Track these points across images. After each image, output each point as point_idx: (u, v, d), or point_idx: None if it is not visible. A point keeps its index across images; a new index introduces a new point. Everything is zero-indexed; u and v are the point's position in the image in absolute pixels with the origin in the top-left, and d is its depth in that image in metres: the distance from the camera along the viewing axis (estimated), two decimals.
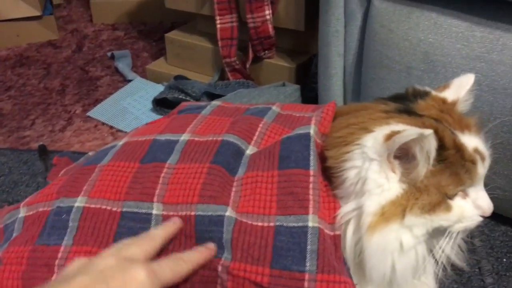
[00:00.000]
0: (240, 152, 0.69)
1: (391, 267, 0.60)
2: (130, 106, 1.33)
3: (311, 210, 0.60)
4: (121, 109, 1.33)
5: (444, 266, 0.74)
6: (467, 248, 0.77)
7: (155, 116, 1.28)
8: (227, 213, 0.61)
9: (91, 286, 0.50)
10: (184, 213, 0.62)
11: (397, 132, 0.56)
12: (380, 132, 0.59)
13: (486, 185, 0.64)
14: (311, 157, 0.64)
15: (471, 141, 0.61)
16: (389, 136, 0.56)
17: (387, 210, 0.58)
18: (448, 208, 0.60)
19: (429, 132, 0.55)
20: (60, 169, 1.00)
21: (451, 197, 0.60)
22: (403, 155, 0.58)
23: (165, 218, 0.62)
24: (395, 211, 0.58)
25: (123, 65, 1.54)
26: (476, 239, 0.88)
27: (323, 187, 0.63)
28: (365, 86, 0.98)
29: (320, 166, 0.64)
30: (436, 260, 0.72)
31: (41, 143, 1.18)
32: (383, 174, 0.58)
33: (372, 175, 0.58)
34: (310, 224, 0.60)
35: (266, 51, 1.26)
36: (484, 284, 0.81)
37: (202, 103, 0.87)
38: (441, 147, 0.58)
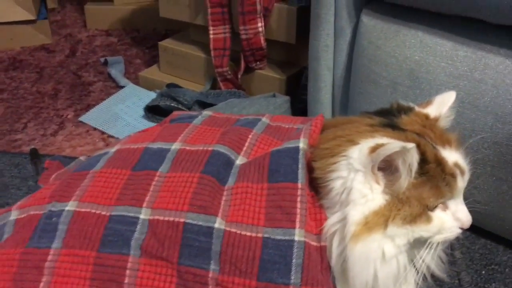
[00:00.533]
0: (230, 162, 0.71)
1: (373, 276, 0.63)
2: (122, 112, 1.35)
3: (297, 224, 0.63)
4: (113, 115, 1.34)
5: (424, 276, 0.76)
6: (448, 260, 0.79)
7: (147, 123, 1.29)
8: (216, 225, 0.63)
9: None
10: (172, 219, 0.64)
11: (381, 145, 0.59)
12: (365, 144, 0.61)
13: (466, 199, 0.66)
14: (299, 171, 0.66)
15: (452, 156, 0.64)
16: (374, 149, 0.59)
17: (371, 220, 0.61)
18: (429, 220, 0.62)
19: (411, 145, 0.57)
20: (52, 172, 1.01)
21: (431, 209, 0.63)
22: (387, 167, 0.60)
23: (152, 223, 0.64)
24: (378, 221, 0.61)
25: (116, 71, 1.55)
26: (457, 251, 0.91)
27: (310, 198, 0.66)
28: (352, 99, 1.01)
29: (307, 178, 0.67)
30: (417, 269, 0.74)
31: (32, 146, 1.19)
32: (368, 185, 0.61)
33: (357, 185, 0.61)
34: (296, 238, 0.62)
35: (258, 62, 1.29)
36: None
37: (193, 113, 0.89)
38: (423, 160, 0.61)
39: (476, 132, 0.83)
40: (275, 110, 1.16)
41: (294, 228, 0.63)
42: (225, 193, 0.67)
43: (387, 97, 0.92)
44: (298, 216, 0.63)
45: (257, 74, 1.32)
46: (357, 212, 0.61)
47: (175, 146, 0.74)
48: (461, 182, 0.64)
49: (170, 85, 1.35)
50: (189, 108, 1.24)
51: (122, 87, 1.49)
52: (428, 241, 0.64)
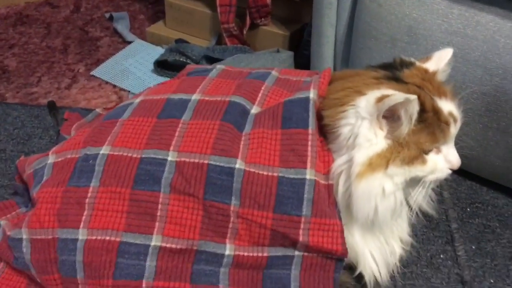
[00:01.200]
0: (246, 111, 0.79)
1: (374, 209, 0.72)
2: (132, 67, 1.41)
3: (308, 165, 0.72)
4: (123, 69, 1.40)
5: (416, 213, 0.86)
6: (437, 199, 0.90)
7: (157, 77, 1.36)
8: (237, 165, 0.72)
9: None
10: (197, 160, 0.72)
11: (387, 96, 0.67)
12: (372, 95, 0.69)
13: (456, 144, 0.75)
14: (310, 118, 0.74)
15: (447, 106, 0.73)
16: (380, 99, 0.67)
17: (374, 161, 0.69)
18: (424, 161, 0.71)
19: (413, 97, 0.66)
20: (72, 123, 1.09)
21: (427, 152, 0.72)
22: (390, 116, 0.69)
23: (179, 164, 0.72)
24: (380, 162, 0.70)
25: (122, 27, 1.59)
26: (445, 192, 1.01)
27: (319, 143, 0.75)
28: (354, 54, 1.08)
29: (317, 125, 0.75)
30: (410, 207, 0.84)
31: (50, 99, 1.26)
32: (372, 130, 0.69)
33: (363, 131, 0.69)
34: (307, 176, 0.71)
35: (263, 19, 1.35)
36: (450, 228, 0.94)
37: (208, 66, 0.95)
38: (422, 110, 0.69)
39: (466, 84, 0.91)
40: (280, 64, 1.23)
41: (305, 168, 0.72)
42: (243, 138, 0.75)
43: (387, 52, 0.99)
44: (309, 158, 0.72)
45: (261, 30, 1.38)
46: (362, 155, 0.70)
47: (195, 97, 0.82)
48: (454, 129, 0.73)
49: (178, 41, 1.41)
50: (197, 63, 1.31)
51: (129, 42, 1.53)
52: (422, 180, 0.74)
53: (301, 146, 0.73)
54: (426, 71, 0.77)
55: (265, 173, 0.72)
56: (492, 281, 0.85)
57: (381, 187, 0.71)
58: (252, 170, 0.72)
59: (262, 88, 0.83)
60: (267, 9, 1.33)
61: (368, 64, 0.96)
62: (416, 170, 0.71)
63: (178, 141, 0.75)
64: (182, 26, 1.48)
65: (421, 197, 0.78)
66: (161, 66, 1.37)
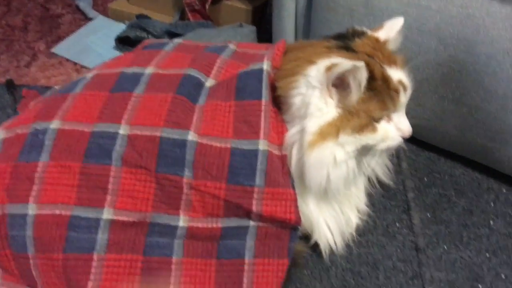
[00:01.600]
0: (200, 84, 0.78)
1: (326, 178, 0.73)
2: (94, 44, 1.38)
3: (262, 135, 0.72)
4: (85, 46, 1.38)
5: (374, 183, 0.88)
6: (395, 170, 0.91)
7: (118, 54, 1.33)
8: (190, 137, 0.71)
9: None
10: (149, 133, 0.72)
11: (336, 64, 0.67)
12: (322, 64, 0.69)
13: (409, 115, 0.76)
14: (263, 89, 0.74)
15: (396, 74, 0.73)
16: (329, 68, 0.67)
17: (325, 130, 0.70)
18: (374, 129, 0.72)
19: (361, 64, 0.66)
20: (29, 101, 1.06)
21: (377, 120, 0.72)
22: (340, 84, 0.69)
23: (130, 137, 0.72)
24: (331, 131, 0.70)
25: (85, 4, 1.56)
26: (403, 162, 1.02)
27: (273, 114, 0.74)
28: (314, 27, 1.08)
29: (271, 96, 0.75)
30: (366, 177, 0.85)
31: (8, 77, 1.23)
32: (323, 100, 0.70)
33: (314, 100, 0.69)
34: (260, 147, 0.71)
35: None
36: (406, 198, 0.96)
37: (164, 40, 0.94)
38: (371, 78, 0.70)
39: (421, 54, 0.92)
40: (242, 39, 1.22)
41: (258, 139, 0.72)
42: (196, 110, 0.75)
43: (345, 24, 0.98)
44: (262, 129, 0.72)
45: (224, 5, 1.36)
46: (313, 124, 0.70)
47: (149, 70, 0.81)
48: (404, 97, 0.74)
49: (139, 16, 1.38)
50: (159, 39, 1.29)
51: (91, 19, 1.50)
52: (374, 148, 0.74)
53: (254, 117, 0.73)
54: (377, 40, 0.77)
55: (218, 144, 0.72)
56: (445, 247, 0.87)
57: (333, 155, 0.72)
58: (205, 142, 0.72)
59: (218, 61, 0.83)
60: None
61: (327, 35, 0.97)
62: (367, 139, 0.72)
63: (130, 115, 0.74)
64: (145, 2, 1.46)
65: (373, 164, 0.80)
66: (123, 42, 1.35)
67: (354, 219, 0.84)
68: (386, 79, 0.71)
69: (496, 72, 0.86)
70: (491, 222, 0.92)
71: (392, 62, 0.74)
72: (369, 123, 0.71)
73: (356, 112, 0.70)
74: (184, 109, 0.74)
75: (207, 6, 1.35)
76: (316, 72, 0.69)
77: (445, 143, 1.03)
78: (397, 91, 0.72)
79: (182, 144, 0.71)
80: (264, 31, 1.30)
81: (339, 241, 0.81)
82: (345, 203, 0.83)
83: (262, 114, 0.73)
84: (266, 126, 0.73)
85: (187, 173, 0.71)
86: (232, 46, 0.88)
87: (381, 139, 0.73)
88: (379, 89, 0.71)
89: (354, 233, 0.85)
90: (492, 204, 0.96)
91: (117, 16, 1.48)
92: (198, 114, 0.74)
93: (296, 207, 0.72)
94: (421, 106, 0.97)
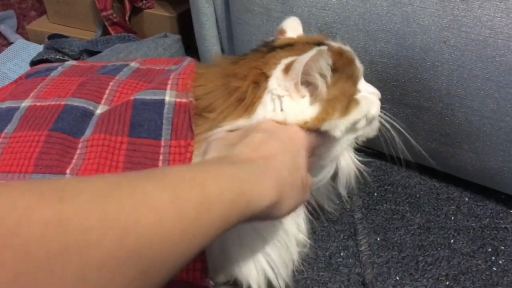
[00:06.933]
0: (87, 114, 0.66)
1: None
2: (10, 71, 1.25)
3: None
4: (2, 74, 1.24)
5: (316, 211, 0.75)
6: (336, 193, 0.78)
7: None
8: None
9: (266, 139, 0.52)
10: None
11: (293, 61, 0.57)
12: (277, 71, 0.59)
13: None
14: (164, 127, 0.62)
15: (337, 45, 0.65)
16: (287, 68, 0.57)
17: (312, 127, 0.59)
18: (357, 103, 0.63)
19: (324, 47, 0.56)
20: None
21: (354, 95, 0.63)
22: (305, 81, 0.58)
23: None
24: (320, 124, 0.60)
25: (6, 27, 1.43)
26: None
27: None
28: (235, 31, 0.94)
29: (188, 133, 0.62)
30: (306, 206, 0.73)
31: None
32: (297, 104, 0.58)
33: (290, 109, 0.58)
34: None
35: (144, 1, 1.19)
36: (353, 219, 0.83)
37: (54, 64, 0.82)
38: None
39: None
40: (165, 51, 1.08)
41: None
42: (80, 145, 0.63)
43: (264, 25, 0.85)
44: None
45: (146, 14, 1.22)
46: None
47: (25, 103, 0.69)
48: (359, 63, 0.66)
49: (52, 36, 1.25)
50: (77, 59, 1.15)
51: (12, 43, 1.37)
52: (361, 122, 0.65)
53: (150, 160, 0.61)
54: (290, 37, 0.68)
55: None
56: (398, 278, 0.74)
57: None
58: None
59: (111, 83, 0.71)
60: None
61: (248, 40, 0.85)
62: (355, 115, 0.62)
63: None
64: (65, 19, 1.32)
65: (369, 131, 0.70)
66: None
67: (294, 255, 0.71)
68: (340, 53, 0.63)
69: (436, 66, 0.72)
70: (452, 240, 0.79)
71: (323, 39, 0.66)
72: (350, 100, 0.62)
73: (334, 97, 0.60)
74: (60, 148, 0.61)
75: (127, 17, 1.21)
76: (276, 81, 0.58)
77: (395, 150, 0.89)
78: (351, 60, 0.64)
79: None
80: (193, 39, 1.16)
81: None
82: (282, 235, 0.70)
83: (161, 157, 0.61)
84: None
85: None
86: (133, 64, 0.77)
87: (366, 108, 0.64)
88: (341, 66, 0.62)
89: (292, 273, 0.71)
90: (452, 218, 0.82)
91: (38, 38, 1.35)
92: (82, 149, 0.62)
93: None
94: None
